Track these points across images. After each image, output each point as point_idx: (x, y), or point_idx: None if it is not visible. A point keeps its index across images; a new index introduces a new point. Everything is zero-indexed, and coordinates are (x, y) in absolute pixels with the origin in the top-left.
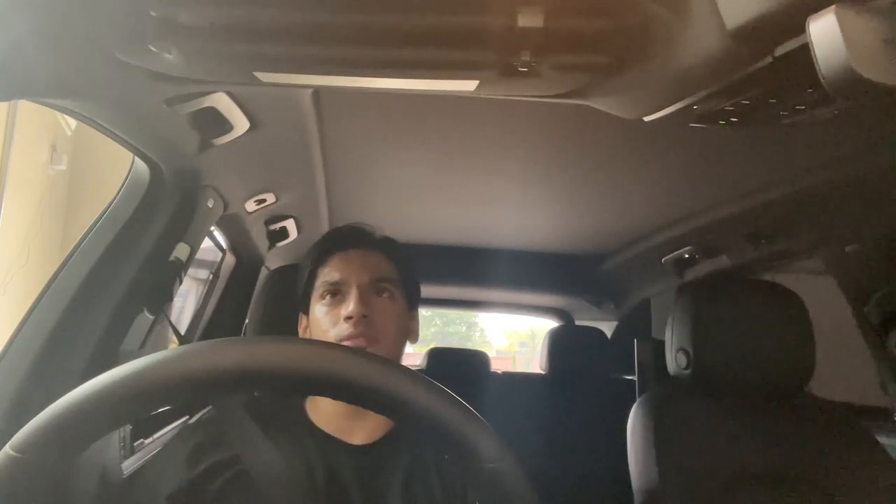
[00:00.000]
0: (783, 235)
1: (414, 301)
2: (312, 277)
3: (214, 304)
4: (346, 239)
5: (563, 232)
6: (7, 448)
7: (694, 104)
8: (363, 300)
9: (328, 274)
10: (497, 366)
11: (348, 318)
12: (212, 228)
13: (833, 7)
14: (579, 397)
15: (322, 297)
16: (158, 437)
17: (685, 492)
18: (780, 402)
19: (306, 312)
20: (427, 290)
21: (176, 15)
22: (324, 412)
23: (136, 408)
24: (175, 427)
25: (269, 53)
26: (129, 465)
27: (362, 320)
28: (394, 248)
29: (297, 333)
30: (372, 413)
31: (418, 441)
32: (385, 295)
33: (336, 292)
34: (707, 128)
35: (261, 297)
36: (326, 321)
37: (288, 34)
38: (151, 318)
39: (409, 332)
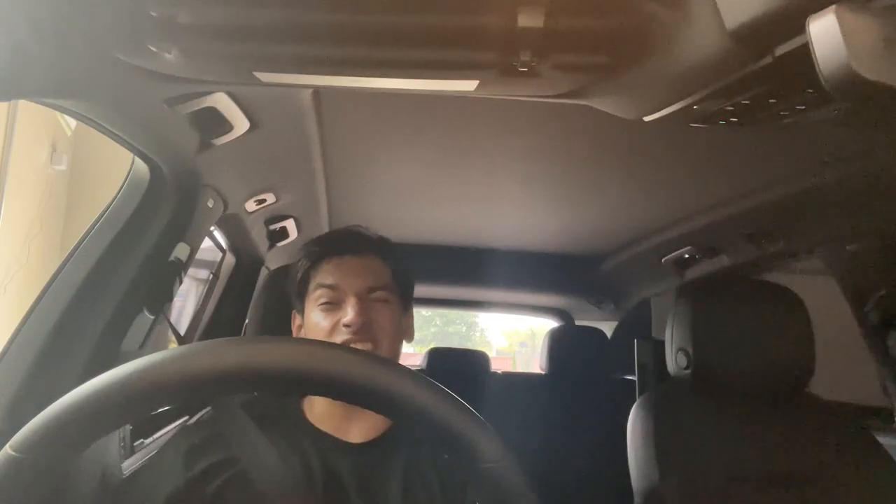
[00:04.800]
0: (783, 235)
1: (408, 301)
2: (306, 280)
3: (214, 304)
4: (341, 244)
5: (563, 232)
6: (7, 448)
7: (694, 104)
8: (361, 307)
9: (323, 279)
10: (497, 366)
11: (347, 325)
12: (212, 228)
13: (833, 7)
14: (579, 397)
15: (318, 301)
16: (158, 437)
17: (685, 492)
18: (780, 402)
19: (301, 312)
20: (427, 290)
21: (176, 15)
22: (321, 411)
23: (136, 408)
24: (175, 427)
25: (269, 53)
26: (129, 465)
27: (361, 327)
28: (388, 249)
29: (292, 332)
30: (369, 412)
31: (417, 440)
32: (381, 300)
33: (332, 299)
34: (707, 128)
35: (261, 297)
36: (325, 327)
37: (288, 34)
38: (151, 318)
39: (406, 331)
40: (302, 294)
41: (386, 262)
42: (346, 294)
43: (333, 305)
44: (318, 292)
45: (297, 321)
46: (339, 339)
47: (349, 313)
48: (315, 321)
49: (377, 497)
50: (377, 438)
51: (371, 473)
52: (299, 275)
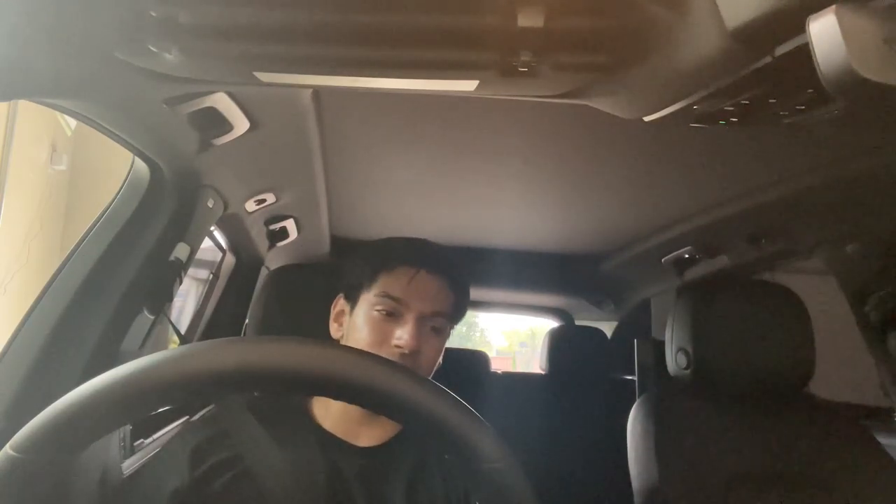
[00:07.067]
0: (783, 235)
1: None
2: (373, 278)
3: (214, 304)
4: (419, 256)
5: (563, 232)
6: (7, 448)
7: (694, 104)
8: (417, 332)
9: (391, 289)
10: (497, 366)
11: (399, 346)
12: (212, 228)
13: (833, 7)
14: (579, 397)
15: (375, 307)
16: (158, 437)
17: (685, 492)
18: (780, 402)
19: (350, 301)
20: None
21: (176, 15)
22: (332, 414)
23: (136, 407)
24: (175, 427)
25: (269, 53)
26: (129, 465)
27: (411, 354)
28: (457, 275)
29: (329, 312)
30: (385, 418)
31: (423, 444)
32: (437, 330)
33: (392, 310)
34: (707, 128)
35: (261, 297)
36: (375, 335)
37: (288, 34)
38: (151, 318)
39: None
40: (360, 287)
41: (452, 288)
42: (408, 311)
43: (390, 317)
44: (380, 298)
45: (339, 306)
46: (385, 353)
47: (405, 335)
48: (363, 324)
49: (382, 501)
50: (384, 443)
51: (376, 477)
52: (368, 268)
